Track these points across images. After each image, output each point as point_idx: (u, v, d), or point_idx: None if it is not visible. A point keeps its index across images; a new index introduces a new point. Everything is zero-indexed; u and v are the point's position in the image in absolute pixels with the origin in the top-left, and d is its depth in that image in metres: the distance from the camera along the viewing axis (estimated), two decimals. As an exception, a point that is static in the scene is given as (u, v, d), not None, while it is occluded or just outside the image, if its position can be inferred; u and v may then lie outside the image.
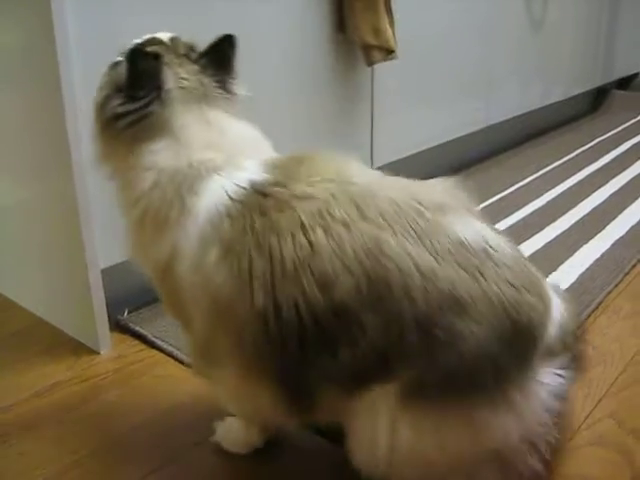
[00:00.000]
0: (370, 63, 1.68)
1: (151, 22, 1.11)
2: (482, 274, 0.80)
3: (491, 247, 0.82)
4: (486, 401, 0.80)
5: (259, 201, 0.84)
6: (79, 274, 1.26)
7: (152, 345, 1.29)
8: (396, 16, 1.68)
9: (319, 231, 0.81)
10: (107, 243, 1.27)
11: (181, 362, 1.24)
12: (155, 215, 0.88)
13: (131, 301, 1.41)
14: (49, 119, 1.19)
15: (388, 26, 1.65)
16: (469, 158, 2.41)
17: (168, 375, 1.22)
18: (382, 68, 1.77)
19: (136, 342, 1.32)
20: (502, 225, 1.81)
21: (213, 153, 0.89)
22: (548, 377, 0.85)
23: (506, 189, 2.11)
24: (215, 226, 0.84)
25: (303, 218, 0.81)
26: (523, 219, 1.86)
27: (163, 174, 0.88)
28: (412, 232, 0.80)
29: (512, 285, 0.81)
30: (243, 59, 1.44)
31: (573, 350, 0.90)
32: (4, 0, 1.20)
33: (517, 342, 0.80)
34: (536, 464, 0.87)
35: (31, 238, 1.37)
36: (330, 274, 0.79)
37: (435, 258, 0.79)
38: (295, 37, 1.59)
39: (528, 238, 1.74)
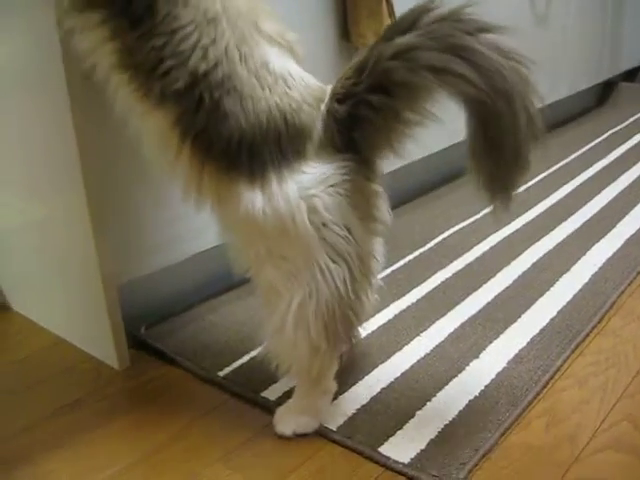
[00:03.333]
0: (376, 71, 1.69)
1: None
2: (270, 89, 0.98)
3: (291, 76, 1.01)
4: (245, 176, 0.97)
5: None
6: (95, 291, 1.28)
7: (171, 361, 1.31)
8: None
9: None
10: (123, 258, 1.29)
11: (200, 377, 1.26)
12: None
13: (148, 317, 1.43)
14: (58, 133, 1.21)
15: (393, 33, 1.67)
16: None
17: (188, 390, 1.24)
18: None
19: (154, 358, 1.33)
20: (512, 226, 1.82)
21: None
22: (317, 169, 0.99)
23: (515, 189, 2.10)
24: None
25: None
26: (533, 220, 1.86)
27: None
28: (242, 38, 0.98)
29: (294, 99, 0.99)
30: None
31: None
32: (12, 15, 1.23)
33: (287, 138, 0.98)
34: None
35: (48, 256, 1.39)
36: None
37: (241, 64, 0.97)
38: (301, 46, 1.60)
39: (539, 239, 1.75)
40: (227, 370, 1.25)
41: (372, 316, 1.30)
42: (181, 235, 1.38)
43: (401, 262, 1.65)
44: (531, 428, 1.09)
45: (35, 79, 1.22)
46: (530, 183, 2.14)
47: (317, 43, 1.63)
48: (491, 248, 1.70)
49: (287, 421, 1.12)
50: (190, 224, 1.37)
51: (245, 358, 1.29)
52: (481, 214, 1.89)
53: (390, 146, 1.01)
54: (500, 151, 0.95)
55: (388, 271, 1.59)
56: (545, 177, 2.20)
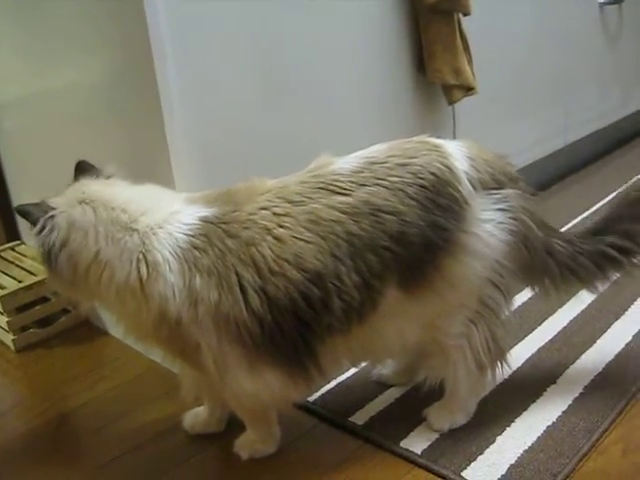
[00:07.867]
0: (451, 102, 1.75)
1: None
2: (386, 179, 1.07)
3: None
4: (447, 254, 1.07)
5: (221, 228, 1.04)
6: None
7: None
8: (473, 52, 1.75)
9: (278, 228, 1.03)
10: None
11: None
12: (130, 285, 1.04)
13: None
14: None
15: (467, 65, 1.72)
16: (549, 177, 2.41)
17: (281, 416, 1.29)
18: (462, 103, 1.83)
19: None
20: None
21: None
22: (489, 213, 1.10)
23: (590, 207, 2.12)
24: (189, 260, 1.03)
25: (265, 224, 1.03)
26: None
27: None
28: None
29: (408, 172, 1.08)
30: (327, 102, 1.54)
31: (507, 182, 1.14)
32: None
33: (438, 200, 1.06)
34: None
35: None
36: (298, 253, 1.02)
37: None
38: (376, 81, 1.67)
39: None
40: (316, 396, 1.33)
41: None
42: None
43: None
44: (607, 454, 1.14)
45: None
46: (605, 200, 2.16)
47: (394, 78, 1.70)
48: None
49: (443, 419, 1.23)
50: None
51: (332, 384, 1.36)
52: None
53: None
54: None
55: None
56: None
